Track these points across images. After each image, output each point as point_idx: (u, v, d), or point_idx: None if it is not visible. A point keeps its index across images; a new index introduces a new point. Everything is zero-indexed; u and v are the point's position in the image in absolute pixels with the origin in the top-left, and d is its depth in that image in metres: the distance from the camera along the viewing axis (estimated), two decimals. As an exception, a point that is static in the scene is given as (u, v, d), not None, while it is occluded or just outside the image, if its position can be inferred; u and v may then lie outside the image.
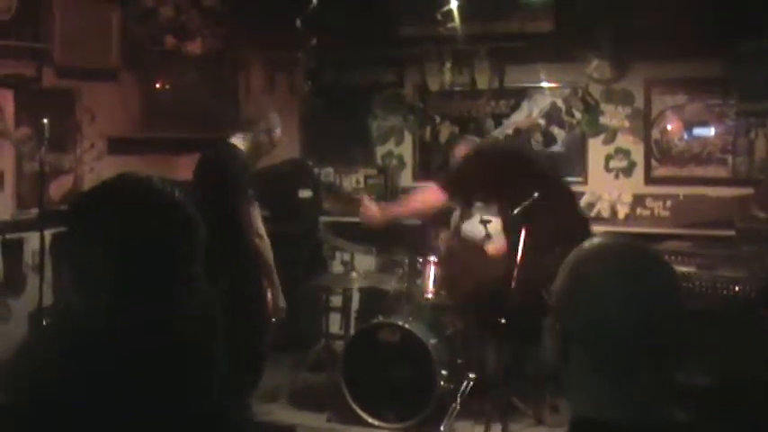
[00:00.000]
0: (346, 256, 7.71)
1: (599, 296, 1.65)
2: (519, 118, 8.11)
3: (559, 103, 7.96)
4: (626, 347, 1.63)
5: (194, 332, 1.69)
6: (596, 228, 7.04)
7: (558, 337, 1.71)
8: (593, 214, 7.76)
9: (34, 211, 6.33)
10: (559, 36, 7.57)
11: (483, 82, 8.06)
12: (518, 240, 4.93)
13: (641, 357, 1.63)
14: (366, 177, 8.49)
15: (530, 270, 4.70)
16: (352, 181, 8.52)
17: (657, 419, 1.64)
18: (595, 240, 1.79)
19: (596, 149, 7.89)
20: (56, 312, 5.86)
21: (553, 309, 1.74)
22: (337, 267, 8.11)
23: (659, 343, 1.64)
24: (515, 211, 5.06)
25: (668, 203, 7.63)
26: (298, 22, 6.97)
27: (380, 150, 8.60)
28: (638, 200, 7.73)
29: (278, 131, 5.95)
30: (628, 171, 7.80)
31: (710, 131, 7.55)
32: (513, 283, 4.38)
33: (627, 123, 7.78)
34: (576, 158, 7.94)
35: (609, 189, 7.80)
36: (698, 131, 7.60)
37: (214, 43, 7.86)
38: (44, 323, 5.85)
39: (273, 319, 5.72)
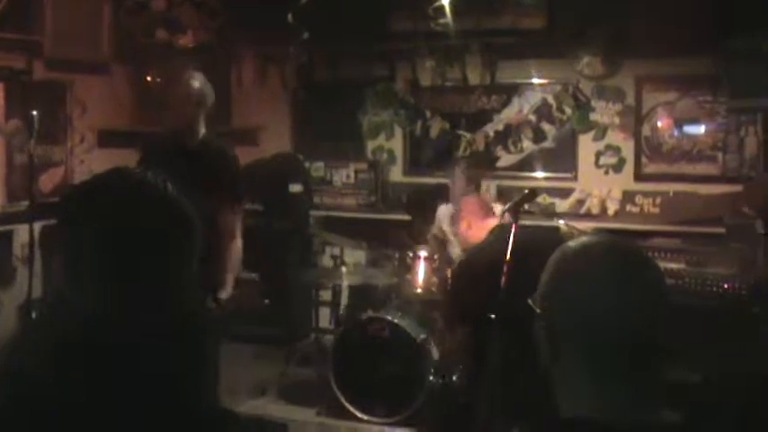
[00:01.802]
0: (336, 251, 7.72)
1: (585, 295, 1.66)
2: (510, 114, 8.11)
3: (550, 99, 7.96)
4: (614, 346, 1.63)
5: (190, 328, 1.68)
6: (586, 224, 7.08)
7: (546, 336, 1.71)
8: (582, 211, 7.78)
9: (24, 204, 6.32)
10: (551, 33, 7.58)
11: (474, 77, 8.06)
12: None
13: (630, 356, 1.63)
14: (356, 172, 8.48)
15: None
16: (342, 175, 8.52)
17: (647, 418, 1.64)
18: (580, 239, 1.79)
19: (586, 146, 7.89)
20: (44, 307, 5.85)
21: (540, 308, 1.75)
22: (327, 262, 8.12)
23: (647, 341, 1.64)
24: (506, 207, 5.06)
25: (658, 200, 7.64)
26: (289, 17, 6.96)
27: (371, 145, 8.59)
28: (628, 196, 7.74)
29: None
30: (618, 168, 7.80)
31: (701, 128, 7.56)
32: (504, 280, 4.37)
33: (617, 120, 7.78)
34: (567, 155, 7.95)
35: (599, 185, 7.81)
36: (688, 128, 7.60)
37: (206, 36, 7.85)
38: (32, 316, 5.84)
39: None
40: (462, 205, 5.85)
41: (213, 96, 5.24)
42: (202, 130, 5.20)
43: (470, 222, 5.60)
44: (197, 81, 5.17)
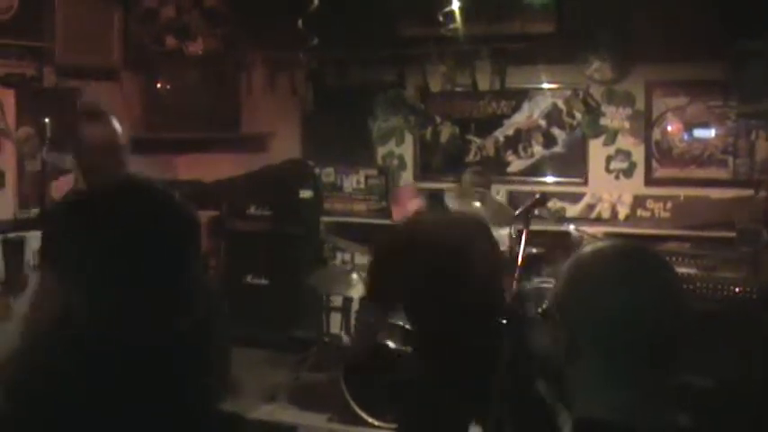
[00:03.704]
0: (347, 257, 7.72)
1: (599, 299, 1.66)
2: (520, 119, 8.11)
3: (560, 104, 7.96)
4: (627, 350, 1.63)
5: (196, 333, 1.68)
6: (596, 229, 7.07)
7: (561, 339, 1.71)
8: (593, 215, 7.78)
9: (35, 211, 6.34)
10: (561, 37, 7.57)
11: (484, 83, 8.04)
12: None
13: (643, 359, 1.64)
14: (366, 178, 8.49)
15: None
16: (352, 181, 8.52)
17: (660, 420, 1.64)
18: (595, 244, 1.80)
19: (597, 150, 7.88)
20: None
21: (552, 312, 1.75)
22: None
23: (661, 345, 1.64)
24: (516, 213, 5.04)
25: (669, 205, 7.63)
26: (299, 23, 6.97)
27: (381, 151, 8.59)
28: (639, 201, 7.73)
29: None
30: (628, 172, 7.79)
31: (711, 133, 7.54)
32: (515, 285, 4.35)
33: (627, 125, 7.77)
34: (577, 159, 7.94)
35: (609, 190, 7.80)
36: (698, 133, 7.59)
37: (215, 43, 7.87)
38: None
39: None
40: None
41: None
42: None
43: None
44: (107, 123, 4.38)
